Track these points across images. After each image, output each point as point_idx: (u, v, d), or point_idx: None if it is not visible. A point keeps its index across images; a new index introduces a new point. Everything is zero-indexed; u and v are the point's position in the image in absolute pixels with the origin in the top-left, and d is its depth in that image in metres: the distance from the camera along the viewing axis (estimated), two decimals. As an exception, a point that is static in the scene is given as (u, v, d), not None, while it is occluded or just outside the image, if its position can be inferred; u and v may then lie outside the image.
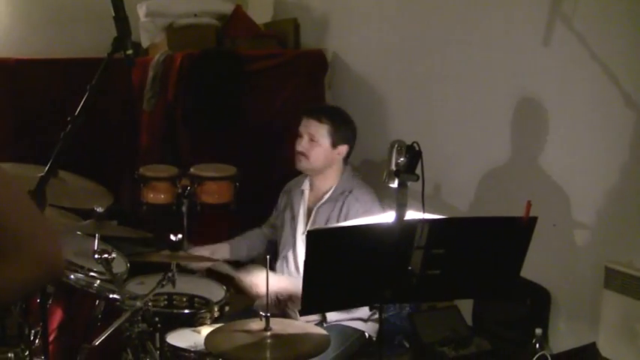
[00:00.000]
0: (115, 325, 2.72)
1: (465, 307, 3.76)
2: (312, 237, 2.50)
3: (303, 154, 3.52)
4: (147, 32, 5.21)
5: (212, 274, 3.72)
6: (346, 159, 3.58)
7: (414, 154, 2.58)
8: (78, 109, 2.49)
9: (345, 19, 5.08)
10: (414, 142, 2.59)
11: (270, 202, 3.88)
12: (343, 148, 3.52)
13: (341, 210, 3.41)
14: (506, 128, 3.82)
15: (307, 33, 5.37)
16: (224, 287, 3.50)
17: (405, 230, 2.52)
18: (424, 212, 2.56)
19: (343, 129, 3.53)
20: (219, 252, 3.67)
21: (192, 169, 4.04)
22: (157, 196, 3.99)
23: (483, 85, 3.96)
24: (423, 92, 4.39)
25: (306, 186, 3.61)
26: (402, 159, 2.59)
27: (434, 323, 3.60)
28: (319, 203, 3.51)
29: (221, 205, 4.03)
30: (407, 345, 3.81)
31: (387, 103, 4.69)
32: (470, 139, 4.07)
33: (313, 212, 3.49)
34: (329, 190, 3.52)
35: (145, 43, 5.27)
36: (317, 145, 3.49)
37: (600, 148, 3.41)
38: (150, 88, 4.90)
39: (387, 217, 2.63)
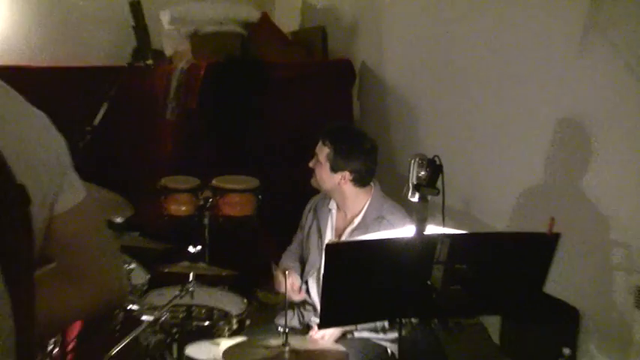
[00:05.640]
0: (133, 334, 2.85)
1: (492, 325, 3.83)
2: (330, 251, 2.60)
3: (313, 170, 3.60)
4: (170, 40, 5.37)
5: (234, 288, 3.84)
6: (358, 182, 3.55)
7: (434, 167, 2.68)
8: (98, 119, 2.63)
9: (374, 28, 5.19)
10: (435, 156, 2.69)
11: (293, 215, 3.96)
12: (345, 175, 3.50)
13: None
14: (537, 143, 3.88)
15: (335, 42, 5.49)
16: (245, 301, 3.62)
17: (425, 245, 2.61)
18: (444, 227, 2.66)
19: (344, 156, 3.49)
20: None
21: (214, 181, 4.15)
22: (179, 207, 4.10)
23: (515, 98, 4.03)
24: (453, 105, 4.47)
25: (333, 205, 3.65)
26: (422, 173, 2.69)
27: (460, 341, 3.65)
28: (350, 228, 3.55)
29: (243, 218, 4.14)
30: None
31: (416, 115, 4.79)
32: (499, 153, 4.15)
33: (344, 237, 3.52)
34: (358, 214, 3.55)
35: (168, 51, 5.41)
36: (320, 166, 3.54)
37: (635, 166, 3.46)
38: (173, 97, 5.03)
39: (408, 231, 2.73)
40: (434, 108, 4.66)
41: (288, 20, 5.89)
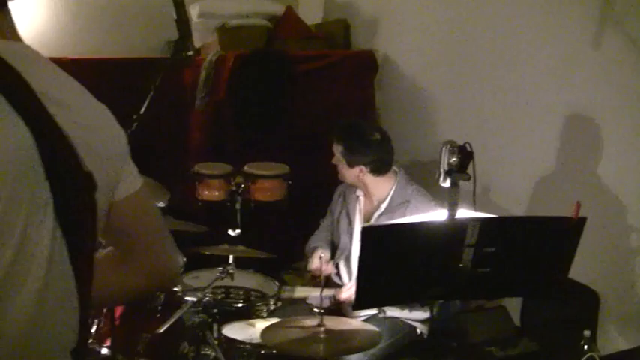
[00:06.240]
0: (179, 314, 2.87)
1: (513, 307, 3.83)
2: (366, 234, 2.61)
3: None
4: (199, 32, 5.36)
5: (265, 270, 3.85)
6: (377, 172, 3.60)
7: (465, 154, 2.69)
8: (143, 108, 2.64)
9: (396, 20, 5.18)
10: (465, 143, 2.71)
11: (320, 200, 3.98)
12: (362, 168, 3.57)
13: None
14: (555, 130, 3.88)
15: (358, 34, 5.48)
16: (276, 282, 3.64)
17: (456, 228, 2.63)
18: (475, 211, 2.67)
19: (357, 151, 3.57)
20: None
21: (245, 168, 4.15)
22: (212, 193, 4.09)
23: (531, 88, 4.03)
24: (473, 94, 4.47)
25: (360, 192, 3.70)
26: (453, 159, 2.70)
27: (482, 323, 3.67)
28: (377, 213, 3.58)
29: (274, 203, 4.14)
30: (454, 344, 3.88)
31: (437, 105, 4.78)
32: (518, 141, 4.15)
33: (372, 222, 3.55)
34: (385, 200, 3.59)
35: (197, 44, 5.39)
36: (339, 163, 3.63)
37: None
38: (202, 88, 5.04)
39: (439, 215, 2.74)
40: (453, 97, 4.66)
41: (311, 13, 5.87)
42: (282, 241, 4.59)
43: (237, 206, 3.90)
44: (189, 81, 5.23)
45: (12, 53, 1.27)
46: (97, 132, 1.38)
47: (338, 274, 3.66)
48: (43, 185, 1.25)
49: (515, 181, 4.16)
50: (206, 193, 4.09)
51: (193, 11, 5.30)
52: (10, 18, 1.37)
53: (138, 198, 1.49)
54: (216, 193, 4.09)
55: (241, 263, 3.84)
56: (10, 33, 1.35)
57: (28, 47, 1.35)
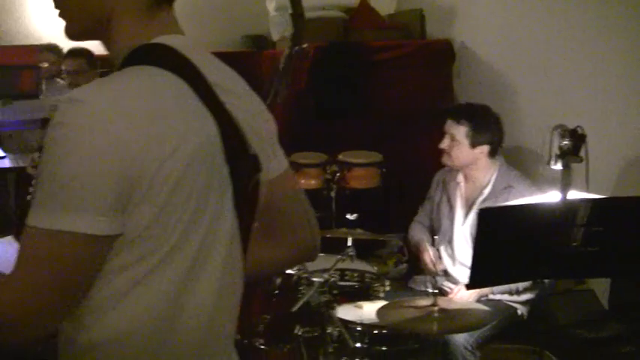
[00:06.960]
0: (309, 294, 3.00)
1: (601, 290, 3.87)
2: (483, 215, 2.72)
3: (446, 151, 3.71)
4: (277, 26, 5.50)
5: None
6: (493, 153, 3.69)
7: (578, 137, 2.80)
8: (270, 99, 2.75)
9: (472, 8, 5.25)
10: (577, 126, 2.81)
11: (410, 187, 4.06)
12: (484, 148, 3.64)
13: None
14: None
15: (433, 23, 5.57)
16: (374, 267, 3.76)
17: (569, 209, 2.72)
18: (588, 192, 2.77)
19: (483, 130, 3.64)
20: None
21: (340, 156, 4.28)
22: (308, 181, 4.23)
23: (617, 72, 4.05)
24: (554, 80, 4.48)
25: (460, 178, 3.77)
26: (565, 142, 2.81)
27: (570, 306, 3.74)
28: (480, 198, 3.66)
29: (369, 190, 4.25)
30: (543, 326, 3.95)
31: (517, 91, 4.83)
32: (603, 126, 4.16)
33: (475, 207, 3.62)
34: (487, 185, 3.67)
35: (275, 37, 5.55)
36: (457, 145, 3.65)
37: None
38: (283, 80, 5.15)
39: (551, 197, 2.85)
40: (533, 84, 4.68)
41: (384, 4, 5.96)
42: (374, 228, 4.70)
43: (333, 194, 4.01)
44: (267, 73, 5.34)
45: (185, 47, 1.37)
46: (257, 116, 1.48)
47: (439, 258, 3.77)
48: (225, 168, 1.37)
49: (599, 166, 4.19)
50: (302, 181, 4.19)
51: (270, 5, 5.44)
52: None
53: (286, 176, 1.59)
54: (312, 182, 4.22)
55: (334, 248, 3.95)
56: (177, 28, 1.44)
57: (190, 39, 1.43)
